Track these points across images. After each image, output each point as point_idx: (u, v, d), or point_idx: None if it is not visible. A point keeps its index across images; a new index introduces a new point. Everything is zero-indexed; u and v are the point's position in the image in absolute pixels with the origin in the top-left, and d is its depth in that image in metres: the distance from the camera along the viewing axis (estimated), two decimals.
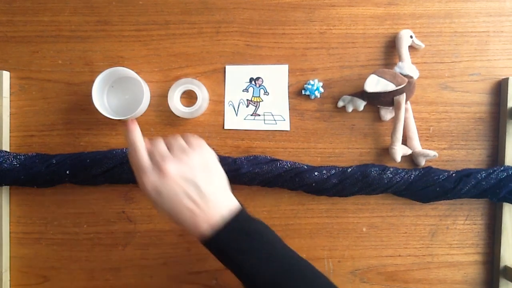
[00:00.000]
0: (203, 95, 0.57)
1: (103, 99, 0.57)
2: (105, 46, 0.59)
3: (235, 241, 0.43)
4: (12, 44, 0.59)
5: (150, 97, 0.59)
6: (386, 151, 0.58)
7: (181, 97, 0.58)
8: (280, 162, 0.56)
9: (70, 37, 0.59)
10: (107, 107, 0.57)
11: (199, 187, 0.43)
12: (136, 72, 0.59)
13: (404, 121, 0.56)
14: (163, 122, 0.59)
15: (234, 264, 0.43)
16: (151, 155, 0.44)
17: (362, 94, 0.57)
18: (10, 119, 0.59)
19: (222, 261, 0.44)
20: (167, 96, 0.58)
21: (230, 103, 0.59)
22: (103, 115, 0.54)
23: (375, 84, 0.54)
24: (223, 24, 0.59)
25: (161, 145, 0.45)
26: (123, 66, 0.59)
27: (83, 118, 0.59)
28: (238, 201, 0.46)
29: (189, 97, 0.59)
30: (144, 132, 0.58)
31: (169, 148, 0.45)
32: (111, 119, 0.55)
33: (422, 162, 0.58)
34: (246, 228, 0.44)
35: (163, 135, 0.58)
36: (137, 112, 0.55)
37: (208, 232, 0.42)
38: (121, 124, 0.59)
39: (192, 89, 0.58)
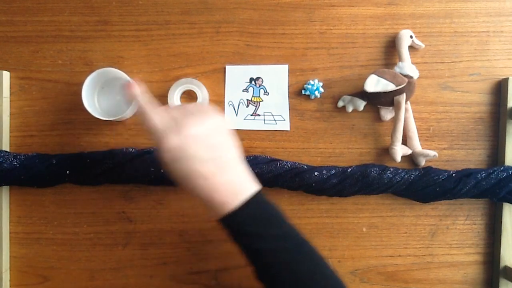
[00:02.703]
0: (203, 95, 0.57)
1: (94, 100, 0.57)
2: (105, 46, 0.59)
3: (253, 219, 0.43)
4: (12, 44, 0.59)
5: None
6: (386, 151, 0.58)
7: (181, 97, 0.58)
8: (280, 162, 0.56)
9: (70, 37, 0.59)
10: (97, 108, 0.57)
11: (219, 153, 0.42)
12: (135, 72, 0.59)
13: (404, 121, 0.56)
14: None
15: (249, 242, 0.43)
16: (169, 115, 0.42)
17: (362, 94, 0.57)
18: (10, 119, 0.59)
19: (236, 238, 0.44)
20: (167, 96, 0.58)
21: (230, 103, 0.59)
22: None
23: (375, 84, 0.54)
24: (223, 24, 0.59)
25: (178, 107, 0.44)
26: (123, 66, 0.59)
27: (83, 118, 0.59)
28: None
29: (189, 97, 0.59)
30: (144, 132, 0.59)
31: (178, 109, 0.43)
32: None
33: (422, 162, 0.58)
34: (264, 206, 0.44)
35: None
36: (128, 113, 0.55)
37: (225, 204, 0.42)
38: (117, 124, 0.59)
39: (192, 89, 0.58)
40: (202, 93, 0.57)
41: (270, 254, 0.43)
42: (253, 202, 0.43)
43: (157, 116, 0.42)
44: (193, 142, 0.41)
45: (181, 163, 0.41)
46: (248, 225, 0.42)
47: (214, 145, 0.42)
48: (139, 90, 0.43)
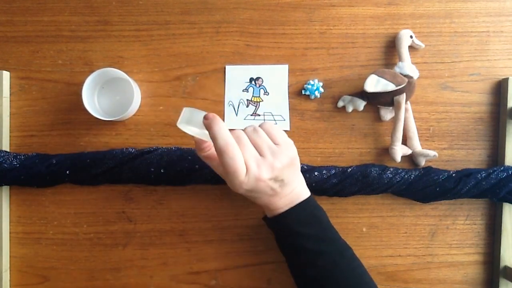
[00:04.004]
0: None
1: (94, 100, 0.57)
2: (105, 46, 0.59)
3: (302, 220, 0.47)
4: (12, 44, 0.59)
5: (149, 97, 0.59)
6: (386, 151, 0.58)
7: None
8: None
9: (70, 37, 0.59)
10: (97, 108, 0.57)
11: (283, 182, 0.46)
12: (135, 72, 0.59)
13: (404, 121, 0.56)
14: (163, 122, 0.59)
15: (295, 241, 0.47)
16: (243, 155, 0.43)
17: (362, 94, 0.57)
18: (10, 119, 0.59)
19: (282, 236, 0.48)
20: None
21: (230, 103, 0.59)
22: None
23: (375, 84, 0.54)
24: (223, 24, 0.59)
25: (250, 147, 0.44)
26: (123, 66, 0.59)
27: (83, 118, 0.59)
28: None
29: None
30: (144, 132, 0.59)
31: (256, 146, 0.45)
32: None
33: (422, 162, 0.58)
34: (313, 209, 0.49)
35: (162, 135, 0.59)
36: (128, 112, 0.55)
37: (279, 209, 0.47)
38: (117, 124, 0.59)
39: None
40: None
41: (313, 254, 0.46)
42: (304, 205, 0.47)
43: (241, 157, 0.43)
44: (263, 184, 0.44)
45: (252, 195, 0.46)
46: (297, 225, 0.47)
47: (283, 178, 0.45)
48: (223, 122, 0.43)
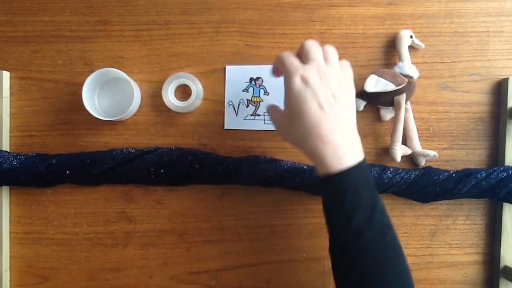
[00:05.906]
0: (197, 90, 0.57)
1: (94, 100, 0.57)
2: (105, 46, 0.59)
3: (358, 184, 0.43)
4: (12, 44, 0.59)
5: (149, 97, 0.59)
6: (386, 151, 0.58)
7: (176, 92, 0.58)
8: (280, 162, 0.56)
9: (70, 37, 0.59)
10: (97, 108, 0.57)
11: (335, 98, 0.43)
12: (135, 72, 0.59)
13: (404, 121, 0.56)
14: (163, 122, 0.59)
15: (347, 206, 0.42)
16: (307, 50, 0.45)
17: (362, 94, 0.57)
18: (10, 119, 0.59)
19: (335, 199, 0.44)
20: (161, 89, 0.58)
21: (230, 103, 0.59)
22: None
23: (375, 84, 0.54)
24: (223, 24, 0.59)
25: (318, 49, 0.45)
26: (123, 66, 0.59)
27: (83, 118, 0.59)
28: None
29: (184, 93, 0.59)
30: (144, 132, 0.59)
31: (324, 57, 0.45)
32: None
33: (422, 162, 0.58)
34: (368, 175, 0.44)
35: (163, 135, 0.59)
36: (128, 112, 0.55)
37: (337, 160, 0.42)
38: (117, 124, 0.59)
39: (187, 84, 0.57)
40: (197, 87, 0.57)
41: (364, 222, 0.42)
42: (362, 168, 0.43)
43: (295, 57, 0.45)
44: (322, 82, 0.43)
45: (307, 95, 0.42)
46: (354, 188, 0.42)
47: (336, 94, 0.43)
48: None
